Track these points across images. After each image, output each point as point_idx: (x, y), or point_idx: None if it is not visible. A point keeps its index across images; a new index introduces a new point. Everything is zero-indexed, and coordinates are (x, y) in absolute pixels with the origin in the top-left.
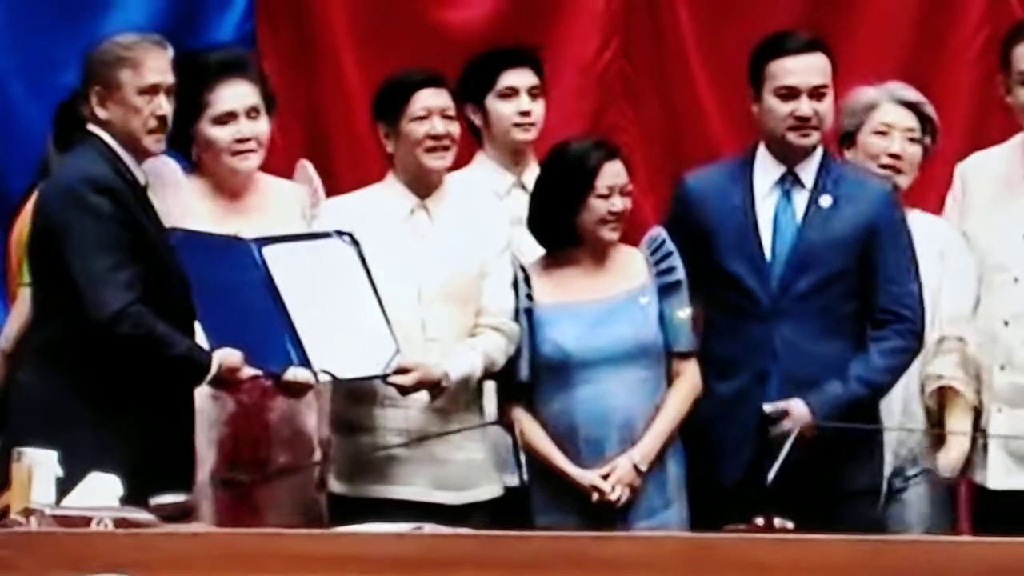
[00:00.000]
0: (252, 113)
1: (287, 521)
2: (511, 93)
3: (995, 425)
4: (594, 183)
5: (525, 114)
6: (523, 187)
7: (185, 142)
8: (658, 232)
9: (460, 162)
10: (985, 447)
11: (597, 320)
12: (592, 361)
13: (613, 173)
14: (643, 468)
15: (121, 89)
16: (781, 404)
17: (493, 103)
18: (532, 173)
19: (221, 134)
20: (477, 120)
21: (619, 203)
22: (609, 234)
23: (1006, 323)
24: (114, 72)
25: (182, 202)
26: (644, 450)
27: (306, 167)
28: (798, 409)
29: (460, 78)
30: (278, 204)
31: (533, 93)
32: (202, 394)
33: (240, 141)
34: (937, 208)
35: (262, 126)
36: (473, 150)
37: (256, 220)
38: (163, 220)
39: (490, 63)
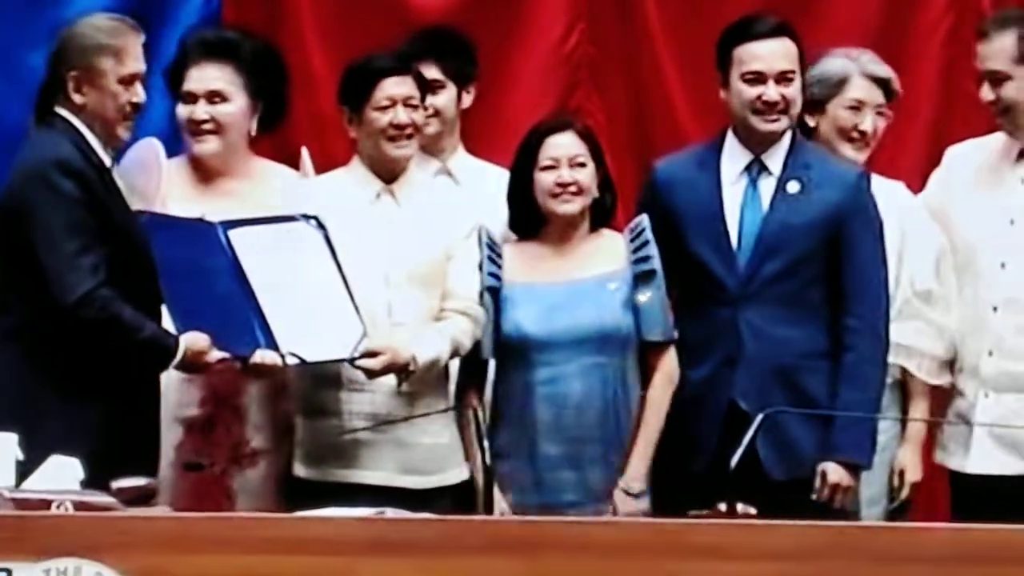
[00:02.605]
0: (212, 97)
1: (260, 506)
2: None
3: (981, 410)
4: (537, 156)
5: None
6: (448, 174)
7: None
8: (640, 219)
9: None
10: (969, 432)
11: (558, 303)
12: (549, 343)
13: (557, 144)
14: (637, 489)
15: (102, 76)
16: (824, 484)
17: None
18: (458, 160)
19: (181, 112)
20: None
21: (567, 174)
22: (561, 206)
23: (995, 309)
24: (95, 58)
25: (161, 185)
26: (634, 472)
27: (303, 157)
28: (836, 472)
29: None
30: (263, 188)
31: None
32: (172, 377)
33: (193, 122)
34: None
35: (223, 110)
36: None
37: (235, 203)
38: (142, 204)
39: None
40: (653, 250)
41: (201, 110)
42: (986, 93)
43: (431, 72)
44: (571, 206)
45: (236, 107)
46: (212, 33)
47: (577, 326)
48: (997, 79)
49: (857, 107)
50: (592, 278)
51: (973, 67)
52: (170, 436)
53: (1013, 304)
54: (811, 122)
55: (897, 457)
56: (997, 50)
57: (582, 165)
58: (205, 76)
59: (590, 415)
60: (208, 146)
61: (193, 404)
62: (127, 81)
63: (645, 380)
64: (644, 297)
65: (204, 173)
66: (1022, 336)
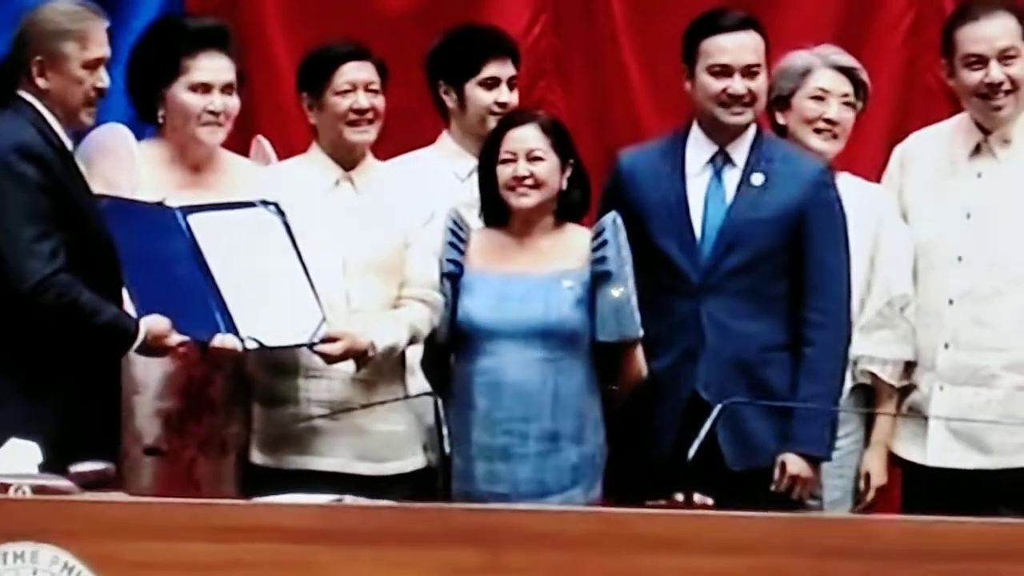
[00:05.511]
0: (227, 89)
1: (218, 492)
2: (492, 83)
3: (936, 403)
4: (498, 149)
5: (502, 105)
6: None
7: (151, 104)
8: (604, 219)
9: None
10: (925, 425)
11: (509, 294)
12: (493, 333)
13: (516, 138)
14: None
15: (66, 61)
16: (783, 475)
17: (472, 90)
18: None
19: (194, 102)
20: (449, 101)
21: (523, 168)
22: (516, 200)
23: (951, 302)
24: (59, 43)
25: (133, 173)
26: None
27: (262, 143)
28: (796, 463)
29: (434, 56)
30: (237, 183)
31: (511, 84)
32: (150, 365)
33: (211, 113)
34: None
35: (233, 102)
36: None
37: (212, 196)
38: (107, 189)
39: (472, 49)
40: (611, 251)
41: (219, 101)
42: (973, 77)
43: (511, 70)
44: (527, 199)
45: (237, 99)
46: (210, 23)
47: (523, 319)
48: (1006, 57)
49: (821, 96)
50: (548, 274)
51: (935, 62)
52: (148, 427)
53: (969, 297)
54: (781, 120)
55: (863, 461)
56: (1000, 30)
57: (540, 159)
58: (218, 67)
59: (524, 408)
60: (219, 136)
61: (169, 396)
62: (91, 66)
63: (612, 377)
64: (600, 298)
65: (178, 160)
66: (979, 329)
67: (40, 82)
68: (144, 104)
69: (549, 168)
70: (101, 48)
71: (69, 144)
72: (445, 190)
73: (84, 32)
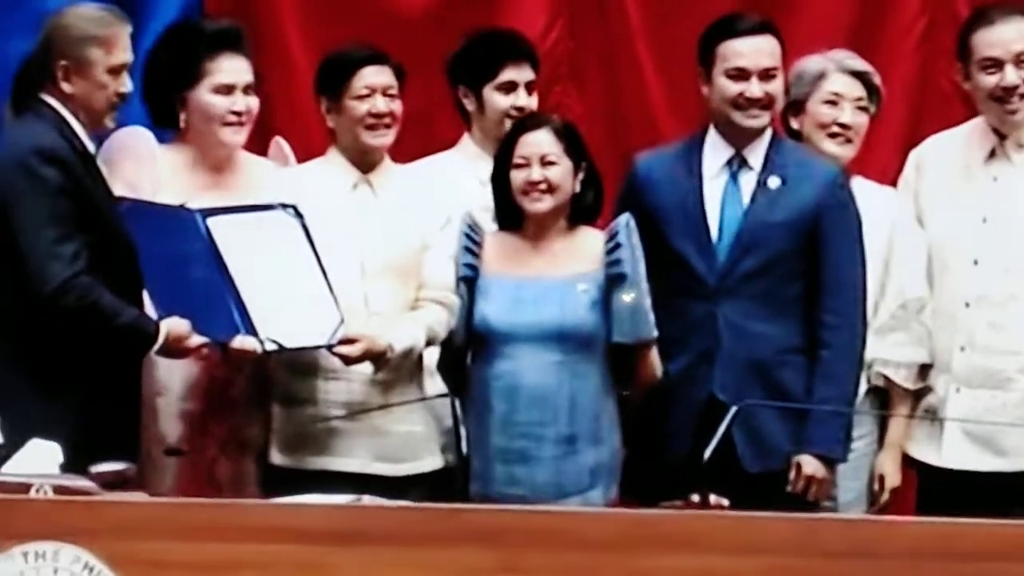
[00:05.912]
0: (248, 89)
1: (238, 493)
2: (510, 87)
3: (953, 405)
4: (512, 154)
5: (520, 109)
6: None
7: (168, 108)
8: (617, 222)
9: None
10: (940, 427)
11: (525, 298)
12: (510, 336)
13: (530, 143)
14: None
15: (91, 66)
16: (799, 476)
17: (490, 94)
18: None
19: (219, 103)
20: (469, 105)
21: (537, 173)
22: (531, 205)
23: (967, 304)
24: (85, 49)
25: (155, 175)
26: None
27: (281, 144)
28: (811, 464)
29: (455, 60)
30: (257, 184)
31: (529, 88)
32: (172, 367)
33: (235, 113)
34: None
35: (254, 102)
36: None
37: (233, 198)
38: (128, 191)
39: (491, 53)
40: (626, 253)
41: (242, 102)
42: (988, 81)
43: (529, 74)
44: (541, 204)
45: (256, 100)
46: (227, 25)
47: (538, 322)
48: (1022, 61)
49: (835, 101)
50: (563, 277)
51: (948, 66)
52: (171, 429)
53: (985, 300)
54: (795, 124)
55: (877, 463)
56: (1016, 34)
57: (553, 163)
58: (239, 68)
59: (541, 411)
60: (241, 137)
61: (192, 397)
62: (116, 71)
63: (627, 378)
64: (615, 300)
65: (198, 164)
66: (994, 332)
67: (65, 86)
68: (160, 108)
69: (562, 172)
70: (125, 53)
71: (91, 147)
72: (466, 194)
73: (109, 37)
